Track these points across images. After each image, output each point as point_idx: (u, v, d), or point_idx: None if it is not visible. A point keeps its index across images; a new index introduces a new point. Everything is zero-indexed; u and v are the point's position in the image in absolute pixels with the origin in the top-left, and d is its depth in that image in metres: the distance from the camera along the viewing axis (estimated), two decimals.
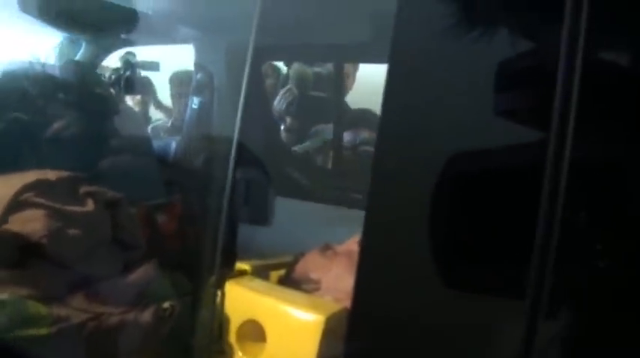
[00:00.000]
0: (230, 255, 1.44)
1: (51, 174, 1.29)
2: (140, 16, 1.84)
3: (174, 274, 1.39)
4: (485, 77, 0.67)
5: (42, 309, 1.12)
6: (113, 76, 1.99)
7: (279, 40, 2.02)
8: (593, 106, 0.60)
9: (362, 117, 2.44)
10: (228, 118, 1.40)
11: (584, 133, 0.59)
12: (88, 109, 1.59)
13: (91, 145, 1.57)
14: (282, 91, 2.63)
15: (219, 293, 1.32)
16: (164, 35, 2.09)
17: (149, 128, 2.67)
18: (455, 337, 0.69)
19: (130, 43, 2.06)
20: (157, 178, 1.70)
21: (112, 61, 2.08)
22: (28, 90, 1.52)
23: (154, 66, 2.21)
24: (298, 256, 1.53)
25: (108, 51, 2.10)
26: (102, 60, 2.11)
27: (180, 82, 2.62)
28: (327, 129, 2.54)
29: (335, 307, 1.21)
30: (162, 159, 1.85)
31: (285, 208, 1.79)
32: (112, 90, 1.98)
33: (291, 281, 1.46)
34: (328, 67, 2.67)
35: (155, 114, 2.95)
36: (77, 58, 2.05)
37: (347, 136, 2.46)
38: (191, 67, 2.27)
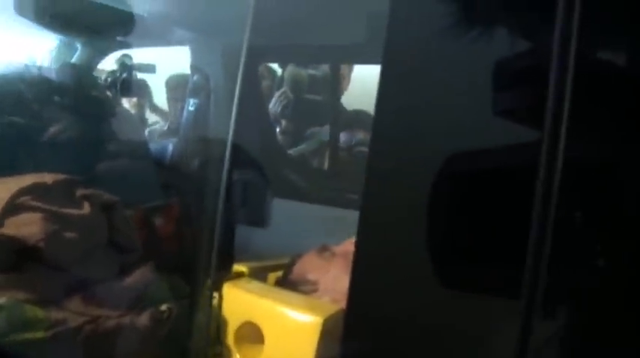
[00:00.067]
0: (227, 257, 1.44)
1: (47, 178, 1.29)
2: (136, 18, 1.84)
3: (172, 277, 1.39)
4: (479, 77, 0.67)
5: (39, 313, 1.12)
6: (109, 79, 1.99)
7: (274, 42, 2.02)
8: (587, 106, 0.60)
9: (357, 118, 2.44)
10: (224, 120, 1.40)
11: (579, 133, 0.59)
12: (84, 112, 1.59)
13: (87, 148, 1.57)
14: (276, 94, 2.63)
15: (216, 295, 1.32)
16: (160, 37, 2.09)
17: (146, 131, 2.67)
18: (451, 337, 0.69)
19: (126, 46, 2.06)
20: (153, 181, 1.70)
21: (108, 63, 2.08)
22: (24, 94, 1.52)
23: (150, 68, 2.21)
24: (295, 258, 1.53)
25: (104, 53, 2.09)
26: (98, 62, 2.11)
27: (176, 86, 2.61)
28: (323, 131, 2.54)
29: (332, 308, 1.21)
30: (159, 162, 1.85)
31: (282, 210, 1.78)
32: (108, 93, 1.97)
33: (289, 283, 1.46)
34: (323, 69, 2.67)
35: (151, 117, 2.95)
36: (73, 60, 2.05)
37: (343, 137, 2.46)
38: (187, 69, 2.27)
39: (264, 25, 1.35)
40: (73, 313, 1.17)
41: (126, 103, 2.51)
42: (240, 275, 1.42)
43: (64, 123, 1.52)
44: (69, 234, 1.23)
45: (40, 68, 1.74)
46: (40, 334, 1.10)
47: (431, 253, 0.70)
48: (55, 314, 1.14)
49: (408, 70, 0.74)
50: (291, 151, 2.55)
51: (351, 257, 0.80)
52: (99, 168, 1.56)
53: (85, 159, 1.54)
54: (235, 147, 1.35)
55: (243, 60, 1.32)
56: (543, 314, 0.59)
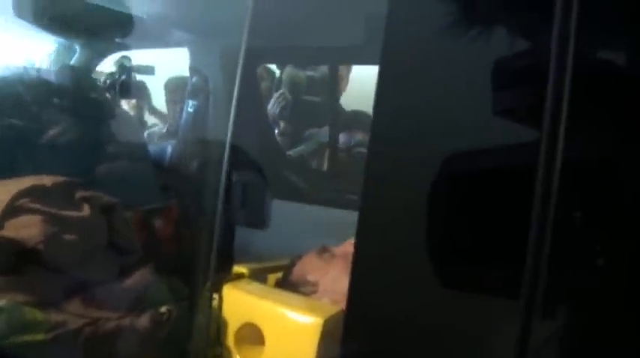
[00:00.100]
0: (227, 259, 1.44)
1: (46, 180, 1.29)
2: (134, 20, 1.84)
3: (171, 278, 1.39)
4: (478, 77, 0.67)
5: (38, 315, 1.12)
6: (108, 81, 1.99)
7: (273, 43, 2.02)
8: (586, 105, 0.60)
9: (356, 119, 2.44)
10: (223, 122, 1.40)
11: (578, 132, 0.59)
12: (83, 114, 1.59)
13: (87, 150, 1.57)
14: (275, 96, 2.63)
15: (216, 296, 1.32)
16: (158, 39, 2.09)
17: (145, 134, 2.67)
18: (451, 337, 0.69)
19: (125, 47, 2.06)
20: (153, 182, 1.70)
21: (108, 65, 2.08)
22: (23, 96, 1.52)
23: (149, 70, 2.21)
24: (295, 259, 1.53)
25: (103, 55, 2.10)
26: (97, 64, 2.11)
27: (175, 88, 2.61)
28: (322, 132, 2.54)
29: (333, 309, 1.21)
30: (158, 164, 1.85)
31: (281, 211, 1.78)
32: (107, 95, 1.97)
33: (289, 284, 1.46)
34: (321, 71, 2.67)
35: (149, 119, 2.95)
36: (72, 62, 2.05)
37: (342, 138, 2.46)
38: (186, 71, 2.27)
39: (263, 27, 1.35)
40: (73, 315, 1.17)
41: (125, 105, 2.51)
42: (240, 276, 1.42)
43: (63, 126, 1.52)
44: (68, 236, 1.23)
45: (39, 70, 1.74)
46: (39, 336, 1.10)
47: (430, 253, 0.70)
48: (55, 317, 1.14)
49: (407, 71, 0.74)
50: (290, 152, 2.55)
51: (350, 258, 0.80)
52: (98, 170, 1.56)
53: (85, 161, 1.54)
54: (234, 149, 1.35)
55: (241, 61, 1.32)
56: (543, 314, 0.59)
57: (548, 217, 0.58)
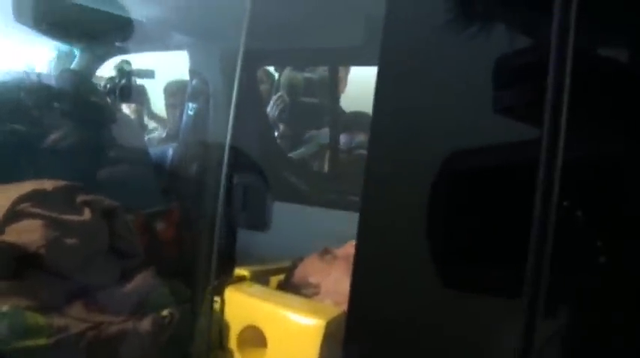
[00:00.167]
0: (229, 261, 1.43)
1: (47, 184, 1.29)
2: (134, 23, 1.85)
3: (173, 281, 1.39)
4: (477, 77, 0.67)
5: (40, 320, 1.12)
6: (108, 85, 1.99)
7: (273, 45, 2.02)
8: (587, 102, 0.60)
9: (356, 120, 2.44)
10: (224, 124, 1.40)
11: (579, 129, 0.59)
12: (84, 119, 1.59)
13: (88, 155, 1.57)
14: (273, 98, 2.63)
15: (218, 299, 1.31)
16: (158, 42, 2.09)
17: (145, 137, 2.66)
18: (453, 338, 0.69)
19: (125, 51, 2.06)
20: (154, 186, 1.70)
21: (107, 69, 2.08)
22: (24, 101, 1.52)
23: (149, 74, 2.21)
24: (297, 261, 1.53)
25: (103, 59, 2.10)
26: (97, 68, 2.11)
27: (174, 92, 2.61)
28: (322, 134, 2.54)
29: (335, 311, 1.21)
30: (159, 167, 1.85)
31: (282, 213, 1.78)
32: (107, 99, 1.97)
33: (291, 286, 1.46)
34: (319, 72, 2.67)
35: (149, 123, 2.95)
36: (72, 66, 2.05)
37: (342, 139, 2.46)
38: (185, 75, 2.27)
39: (263, 29, 1.35)
40: (75, 319, 1.17)
41: (125, 109, 2.52)
42: (241, 279, 1.42)
43: (64, 130, 1.52)
44: (70, 241, 1.23)
45: (39, 75, 1.74)
46: (42, 341, 1.10)
47: (432, 254, 0.70)
48: (57, 321, 1.14)
49: (406, 71, 0.74)
50: (291, 155, 2.55)
51: (352, 259, 0.80)
52: (100, 174, 1.56)
53: (86, 166, 1.54)
54: (235, 151, 1.35)
55: (240, 64, 1.32)
56: (545, 313, 0.59)
57: (550, 215, 0.57)
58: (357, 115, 2.46)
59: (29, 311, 1.12)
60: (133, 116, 2.70)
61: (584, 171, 0.61)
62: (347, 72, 2.54)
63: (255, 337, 1.25)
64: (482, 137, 0.67)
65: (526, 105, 0.64)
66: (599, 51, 0.64)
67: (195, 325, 1.32)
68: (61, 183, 1.32)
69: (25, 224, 1.21)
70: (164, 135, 2.70)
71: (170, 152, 1.91)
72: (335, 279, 1.39)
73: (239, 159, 1.39)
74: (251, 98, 2.20)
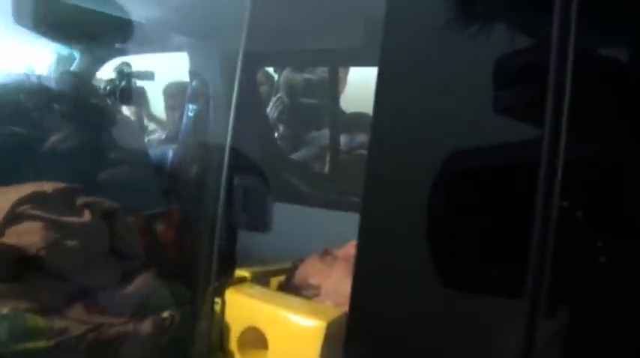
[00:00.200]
0: (229, 263, 1.43)
1: (47, 186, 1.29)
2: (134, 25, 1.84)
3: (173, 283, 1.39)
4: (477, 77, 0.67)
5: (40, 322, 1.11)
6: (108, 87, 1.99)
7: (273, 46, 2.02)
8: (587, 103, 0.60)
9: (357, 120, 2.43)
10: (224, 126, 1.40)
11: (579, 129, 0.59)
12: (84, 121, 1.59)
13: (88, 157, 1.57)
14: (272, 100, 2.63)
15: (219, 301, 1.31)
16: (158, 44, 2.09)
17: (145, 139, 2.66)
18: (454, 340, 0.69)
19: (125, 53, 2.06)
20: (154, 187, 1.70)
21: (107, 71, 2.08)
22: (24, 103, 1.52)
23: (149, 75, 2.21)
24: (297, 262, 1.52)
25: (103, 61, 2.10)
26: (97, 70, 2.11)
27: (173, 93, 2.61)
28: (323, 136, 2.54)
29: (336, 312, 1.21)
30: (159, 169, 1.85)
31: (283, 214, 1.78)
32: (108, 101, 1.97)
33: (291, 288, 1.45)
34: (318, 73, 2.67)
35: (148, 125, 2.94)
36: (72, 68, 2.05)
37: (343, 140, 2.45)
38: (184, 76, 2.27)
39: (262, 30, 1.35)
40: (76, 321, 1.17)
41: (125, 111, 2.51)
42: (242, 280, 1.42)
43: (64, 132, 1.52)
44: (70, 243, 1.23)
45: (39, 77, 1.74)
46: (42, 343, 1.10)
47: (433, 255, 0.70)
48: (57, 323, 1.14)
49: (406, 72, 0.74)
50: (292, 156, 2.55)
51: (353, 260, 0.79)
52: (100, 175, 1.56)
53: (86, 168, 1.54)
54: (235, 153, 1.35)
55: (240, 65, 1.32)
56: (546, 314, 0.59)
57: (552, 216, 0.57)
58: (358, 116, 2.45)
59: (29, 314, 1.12)
60: (132, 118, 2.69)
61: (584, 171, 0.61)
62: (346, 72, 2.54)
63: (255, 338, 1.25)
64: (483, 137, 0.67)
65: (526, 105, 0.64)
66: (599, 51, 0.64)
67: (196, 327, 1.32)
68: (61, 185, 1.31)
69: (25, 226, 1.21)
70: (163, 136, 2.69)
71: (170, 153, 1.91)
72: (335, 280, 1.38)
73: (239, 161, 1.39)
74: (251, 99, 2.20)
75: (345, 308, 1.16)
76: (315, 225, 1.84)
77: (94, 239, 1.29)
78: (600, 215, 0.62)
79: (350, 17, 1.68)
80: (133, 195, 1.53)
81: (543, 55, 0.57)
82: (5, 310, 1.10)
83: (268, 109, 2.59)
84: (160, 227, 1.54)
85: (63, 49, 2.11)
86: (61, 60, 2.16)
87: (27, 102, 1.52)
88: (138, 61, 2.10)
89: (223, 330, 1.30)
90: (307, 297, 1.39)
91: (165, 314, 1.26)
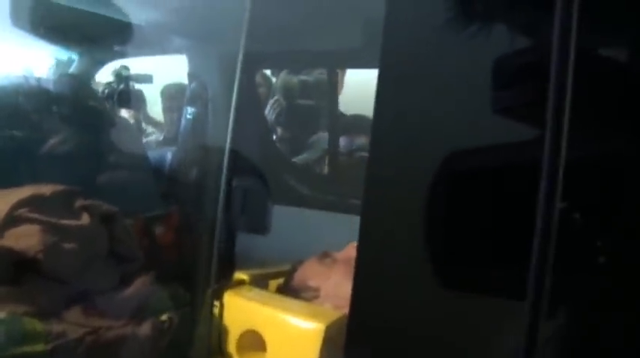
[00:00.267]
0: (228, 265, 1.43)
1: (45, 189, 1.29)
2: (133, 27, 1.84)
3: (172, 285, 1.38)
4: (478, 78, 0.67)
5: (38, 326, 1.11)
6: (107, 90, 1.99)
7: (272, 48, 2.02)
8: (587, 103, 0.60)
9: (356, 123, 2.43)
10: (223, 128, 1.39)
11: (579, 131, 0.59)
12: (83, 123, 1.59)
13: (87, 160, 1.56)
14: (270, 102, 2.63)
15: (217, 303, 1.31)
16: (157, 46, 2.09)
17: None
18: (455, 342, 0.69)
19: (124, 55, 2.06)
20: (153, 190, 1.69)
21: (106, 74, 2.08)
22: (23, 105, 1.51)
23: (147, 78, 2.21)
24: (296, 264, 1.52)
25: (102, 63, 2.10)
26: (96, 72, 2.11)
27: (171, 96, 2.61)
28: (325, 139, 2.53)
29: (335, 315, 1.20)
30: (158, 171, 1.84)
31: (282, 216, 1.78)
32: (106, 104, 1.97)
33: (290, 290, 1.45)
34: (315, 74, 2.67)
35: (146, 127, 2.94)
36: (71, 71, 2.05)
37: (343, 142, 2.45)
38: (182, 79, 2.27)
39: (261, 32, 1.35)
40: (74, 325, 1.16)
41: (123, 113, 2.51)
42: (241, 283, 1.42)
43: (63, 135, 1.51)
44: (68, 245, 1.22)
45: (38, 79, 1.74)
46: (39, 347, 1.09)
47: (433, 257, 0.69)
48: (55, 327, 1.13)
49: (406, 73, 0.74)
50: (295, 160, 2.54)
51: (352, 263, 0.79)
52: (99, 178, 1.56)
53: (85, 170, 1.53)
54: (234, 155, 1.34)
55: (239, 66, 1.32)
56: (547, 315, 0.59)
57: (553, 217, 0.57)
58: (357, 118, 2.45)
59: (27, 317, 1.11)
60: (131, 121, 2.69)
61: (584, 171, 0.61)
62: (343, 73, 2.53)
63: (254, 341, 1.25)
64: (485, 138, 0.67)
65: (526, 106, 0.64)
66: (600, 50, 0.64)
67: (195, 329, 1.32)
68: (59, 187, 1.31)
69: (23, 229, 1.20)
70: (161, 138, 2.69)
71: (169, 156, 1.90)
72: (335, 283, 1.38)
73: (238, 163, 1.39)
74: (250, 101, 2.20)
75: (345, 310, 1.17)
76: (314, 228, 1.83)
77: (93, 242, 1.29)
78: (600, 215, 0.62)
79: (349, 18, 1.68)
80: (132, 198, 1.52)
81: (543, 55, 0.57)
82: (3, 314, 1.09)
83: (266, 112, 2.59)
84: (158, 229, 1.53)
85: (62, 52, 2.11)
86: (59, 62, 2.16)
87: (26, 105, 1.52)
88: (137, 64, 2.10)
89: (222, 333, 1.30)
90: (306, 300, 1.39)
91: (164, 316, 1.26)
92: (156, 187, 1.72)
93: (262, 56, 2.18)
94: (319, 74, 2.62)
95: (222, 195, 1.30)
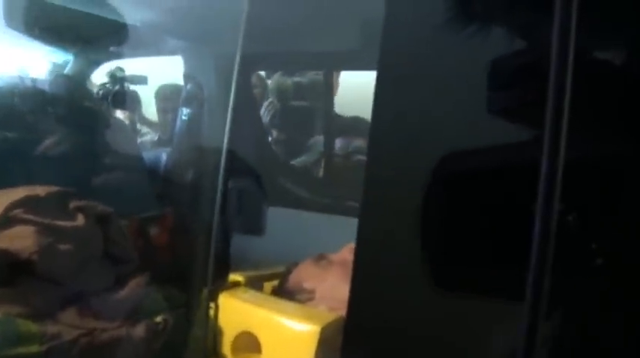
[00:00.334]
0: (223, 266, 1.43)
1: (39, 190, 1.28)
2: (129, 28, 1.84)
3: (167, 287, 1.38)
4: (477, 80, 0.67)
5: (32, 327, 1.10)
6: (101, 91, 1.98)
7: (269, 49, 2.02)
8: (587, 105, 0.60)
9: (353, 125, 2.43)
10: (218, 129, 1.39)
11: (579, 131, 0.59)
12: (79, 124, 1.58)
13: (82, 161, 1.56)
14: (264, 105, 2.63)
15: (212, 305, 1.31)
16: (153, 47, 2.09)
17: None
18: (453, 344, 0.69)
19: (119, 56, 2.05)
20: (148, 191, 1.69)
21: (100, 75, 2.07)
22: (18, 106, 1.51)
23: (142, 80, 2.20)
24: (291, 266, 1.52)
25: (97, 64, 2.09)
26: (91, 73, 2.10)
27: (165, 96, 2.60)
28: (322, 141, 2.53)
29: (330, 317, 1.20)
30: (153, 172, 1.84)
31: (277, 217, 1.78)
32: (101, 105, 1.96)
33: (285, 292, 1.45)
34: (309, 76, 2.67)
35: (140, 128, 2.94)
36: (66, 71, 2.04)
37: (339, 143, 2.45)
38: (176, 80, 2.26)
39: (258, 33, 1.35)
40: (68, 326, 1.16)
41: (118, 114, 2.50)
42: (236, 284, 1.42)
43: (58, 136, 1.51)
44: (63, 247, 1.22)
45: (33, 80, 1.73)
46: (34, 348, 1.09)
47: (432, 259, 0.70)
48: (50, 328, 1.13)
49: (405, 74, 0.74)
50: (292, 162, 2.54)
51: (348, 265, 0.79)
52: (94, 179, 1.56)
53: (80, 171, 1.53)
54: (230, 156, 1.34)
55: (237, 67, 1.32)
56: (546, 315, 0.59)
57: (552, 218, 0.57)
58: (354, 120, 2.45)
59: (21, 319, 1.11)
60: (126, 121, 2.68)
61: (581, 172, 0.61)
62: (338, 74, 2.53)
63: (249, 343, 1.24)
64: (483, 139, 0.67)
65: (525, 106, 0.64)
66: (600, 51, 0.64)
67: (190, 331, 1.32)
68: (53, 188, 1.31)
69: (18, 230, 1.20)
70: (156, 138, 2.69)
71: (164, 157, 1.90)
72: (330, 285, 1.38)
73: (234, 164, 1.38)
74: (246, 103, 2.20)
75: (340, 312, 1.17)
76: (310, 230, 1.83)
77: (88, 243, 1.29)
78: (598, 216, 0.63)
79: (346, 20, 1.68)
80: (127, 199, 1.52)
81: (542, 56, 0.57)
82: None
83: (261, 114, 2.59)
84: (153, 230, 1.53)
85: (56, 53, 2.10)
86: (54, 63, 2.15)
87: (21, 106, 1.51)
88: (131, 65, 2.09)
89: (217, 335, 1.29)
90: (301, 302, 1.39)
91: (159, 318, 1.26)
92: (151, 188, 1.72)
93: (259, 57, 2.18)
94: (314, 75, 2.62)
95: (219, 196, 1.30)
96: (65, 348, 1.13)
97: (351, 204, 1.77)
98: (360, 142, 2.36)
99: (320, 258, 1.51)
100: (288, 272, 1.51)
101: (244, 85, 2.16)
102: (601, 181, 0.62)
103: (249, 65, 2.20)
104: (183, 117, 2.01)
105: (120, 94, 1.97)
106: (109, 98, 1.95)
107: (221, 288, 1.34)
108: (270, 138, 2.62)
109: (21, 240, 1.18)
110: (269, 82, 2.74)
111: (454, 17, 0.67)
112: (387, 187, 0.75)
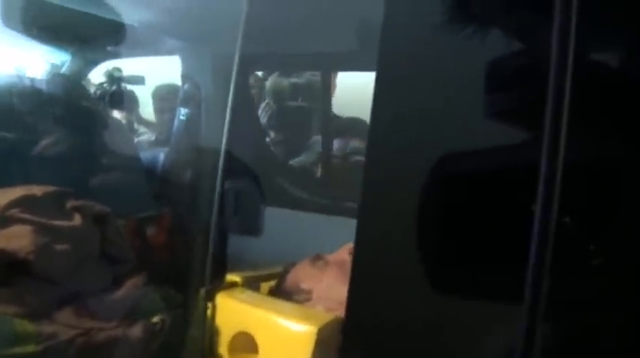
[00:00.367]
0: (220, 267, 1.43)
1: (36, 190, 1.28)
2: (126, 28, 1.84)
3: (164, 287, 1.38)
4: (476, 81, 0.67)
5: (28, 327, 1.10)
6: (98, 91, 1.98)
7: (267, 49, 2.02)
8: (586, 107, 0.60)
9: (351, 125, 2.43)
10: (216, 129, 1.39)
11: (578, 134, 0.59)
12: (76, 124, 1.58)
13: (80, 160, 1.56)
14: (261, 106, 2.63)
15: (210, 305, 1.31)
16: (151, 47, 2.09)
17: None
18: (452, 344, 0.69)
19: (117, 56, 2.05)
20: (146, 191, 1.69)
21: (98, 75, 2.07)
22: (16, 106, 1.51)
23: (139, 80, 2.20)
24: (289, 267, 1.52)
25: (94, 64, 2.09)
26: (88, 73, 2.10)
27: (163, 96, 2.60)
28: (320, 142, 2.53)
29: (327, 317, 1.20)
30: (150, 172, 1.84)
31: (275, 218, 1.78)
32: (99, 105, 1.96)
33: (282, 292, 1.45)
34: (305, 76, 2.67)
35: (137, 128, 2.93)
36: (63, 71, 2.04)
37: (336, 144, 2.45)
38: (173, 80, 2.26)
39: (256, 33, 1.35)
40: (65, 326, 1.16)
41: (115, 114, 2.50)
42: (233, 285, 1.41)
43: (56, 135, 1.51)
44: (60, 246, 1.22)
45: (31, 80, 1.73)
46: (30, 348, 1.09)
47: (429, 260, 0.70)
48: (46, 328, 1.13)
49: (404, 76, 0.74)
50: (291, 163, 2.54)
51: (345, 265, 0.80)
52: (91, 179, 1.55)
53: (78, 171, 1.53)
54: (227, 156, 1.34)
55: (235, 68, 1.32)
56: (545, 316, 0.59)
57: (551, 220, 0.57)
58: (352, 121, 2.45)
59: (18, 318, 1.11)
60: (123, 121, 2.68)
61: (580, 174, 0.61)
62: (335, 75, 2.53)
63: (246, 343, 1.24)
64: (482, 141, 0.67)
65: (523, 108, 0.64)
66: (598, 52, 0.64)
67: (187, 331, 1.31)
68: (50, 188, 1.30)
69: (15, 230, 1.20)
70: (153, 138, 2.68)
71: (161, 157, 1.90)
72: (327, 285, 1.38)
73: (231, 164, 1.38)
74: (243, 103, 2.20)
75: (337, 313, 1.17)
76: (307, 230, 1.83)
77: (84, 243, 1.29)
78: (594, 218, 0.63)
79: (345, 21, 1.68)
80: (124, 199, 1.52)
81: (540, 58, 0.58)
82: None
83: (259, 114, 2.59)
84: (150, 230, 1.53)
85: (54, 52, 2.10)
86: (52, 63, 2.14)
87: (19, 105, 1.51)
88: (129, 65, 2.09)
89: (214, 335, 1.29)
90: (298, 302, 1.39)
91: (156, 318, 1.25)
92: (148, 188, 1.72)
93: (257, 58, 2.18)
94: (310, 76, 2.62)
95: (216, 196, 1.30)
96: (62, 348, 1.13)
97: (349, 205, 1.78)
98: (358, 143, 2.36)
99: (317, 258, 1.51)
100: (286, 272, 1.51)
101: (242, 86, 2.16)
102: (599, 183, 0.62)
103: (247, 65, 2.19)
104: (181, 118, 2.01)
105: (117, 94, 1.97)
106: (107, 98, 1.95)
107: (218, 289, 1.34)
108: (267, 139, 2.62)
109: (18, 239, 1.18)
110: (267, 82, 2.74)
111: (453, 19, 0.68)
112: (385, 188, 0.75)
